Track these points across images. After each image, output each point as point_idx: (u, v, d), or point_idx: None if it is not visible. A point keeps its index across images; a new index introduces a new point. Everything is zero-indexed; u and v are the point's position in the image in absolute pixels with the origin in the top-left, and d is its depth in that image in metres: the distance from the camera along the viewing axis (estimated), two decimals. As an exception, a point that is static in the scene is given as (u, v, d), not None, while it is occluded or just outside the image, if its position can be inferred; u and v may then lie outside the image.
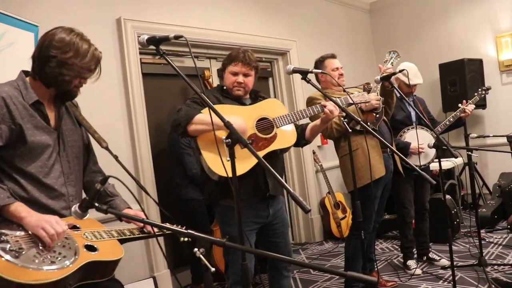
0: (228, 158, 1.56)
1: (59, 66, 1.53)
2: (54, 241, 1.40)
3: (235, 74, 2.25)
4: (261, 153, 2.13)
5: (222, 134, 1.99)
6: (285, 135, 2.23)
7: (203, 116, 2.04)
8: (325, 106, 2.25)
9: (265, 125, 2.20)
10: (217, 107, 2.09)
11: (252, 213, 2.19)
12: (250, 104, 2.30)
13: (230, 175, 1.78)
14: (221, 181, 2.06)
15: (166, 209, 1.72)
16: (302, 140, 2.35)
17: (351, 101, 2.34)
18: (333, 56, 2.98)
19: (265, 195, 2.21)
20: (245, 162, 2.03)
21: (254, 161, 2.07)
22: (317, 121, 2.33)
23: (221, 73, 2.42)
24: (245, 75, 2.26)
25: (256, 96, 2.39)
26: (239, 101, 2.28)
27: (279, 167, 2.33)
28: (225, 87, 2.30)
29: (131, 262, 3.08)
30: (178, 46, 3.65)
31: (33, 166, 1.55)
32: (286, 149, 2.30)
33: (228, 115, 1.99)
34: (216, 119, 1.89)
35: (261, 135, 2.17)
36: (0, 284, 1.24)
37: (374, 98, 2.67)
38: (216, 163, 1.99)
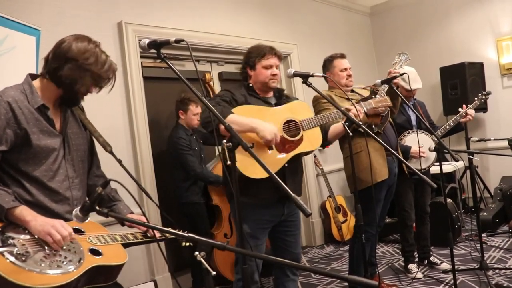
0: (229, 161, 1.56)
1: (79, 70, 1.54)
2: (61, 245, 1.41)
3: (269, 67, 2.29)
4: (288, 156, 2.16)
5: (252, 136, 2.03)
6: (311, 138, 2.25)
7: (236, 117, 2.05)
8: (349, 110, 2.28)
9: (292, 127, 2.21)
10: (246, 108, 2.14)
11: (268, 212, 2.23)
12: (275, 104, 2.33)
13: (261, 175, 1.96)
14: (242, 180, 2.05)
15: (167, 213, 1.72)
16: (324, 141, 2.41)
17: (373, 106, 2.41)
18: (342, 56, 2.92)
19: (283, 196, 2.21)
20: (272, 166, 2.02)
21: (280, 165, 2.11)
22: (340, 124, 2.41)
23: (244, 71, 2.38)
24: (276, 67, 2.33)
25: (280, 94, 2.41)
26: (264, 99, 2.31)
27: (300, 169, 2.35)
28: (251, 85, 2.32)
29: (131, 266, 3.07)
30: (179, 49, 3.65)
31: (38, 170, 1.54)
32: (310, 152, 2.33)
33: (257, 117, 2.08)
34: (246, 122, 2.04)
35: (288, 137, 2.18)
36: (7, 287, 1.24)
37: (385, 102, 2.68)
38: (245, 164, 1.98)
